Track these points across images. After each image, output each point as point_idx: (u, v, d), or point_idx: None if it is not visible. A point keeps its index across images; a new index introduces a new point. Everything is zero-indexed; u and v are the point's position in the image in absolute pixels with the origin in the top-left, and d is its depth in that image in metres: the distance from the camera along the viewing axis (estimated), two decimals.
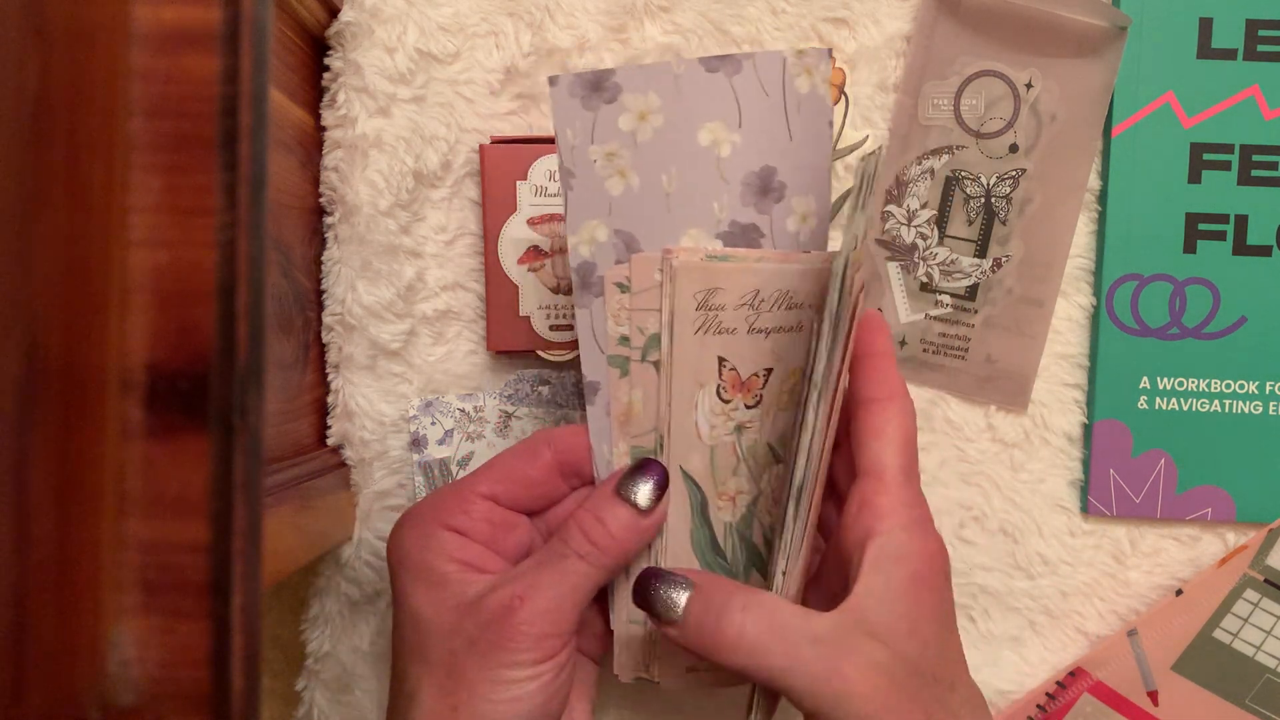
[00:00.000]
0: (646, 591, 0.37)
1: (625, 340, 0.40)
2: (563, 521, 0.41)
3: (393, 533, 0.41)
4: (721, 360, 0.39)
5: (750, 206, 0.39)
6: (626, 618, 0.42)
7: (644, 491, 0.39)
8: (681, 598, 0.36)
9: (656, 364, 0.39)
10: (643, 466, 0.39)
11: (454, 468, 0.49)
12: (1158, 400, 0.50)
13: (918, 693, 0.35)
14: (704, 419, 0.39)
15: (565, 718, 0.41)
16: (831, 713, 0.34)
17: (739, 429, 0.40)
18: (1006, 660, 0.50)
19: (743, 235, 0.39)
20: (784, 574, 0.37)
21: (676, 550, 0.40)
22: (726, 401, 0.39)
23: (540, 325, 0.48)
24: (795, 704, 0.35)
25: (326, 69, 0.47)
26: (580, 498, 0.41)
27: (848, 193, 0.49)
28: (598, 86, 0.38)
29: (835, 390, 0.36)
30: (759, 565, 0.41)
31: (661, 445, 0.40)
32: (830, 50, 0.40)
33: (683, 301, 0.37)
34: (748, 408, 0.40)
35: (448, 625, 0.38)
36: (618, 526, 0.38)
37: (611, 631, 0.42)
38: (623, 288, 0.39)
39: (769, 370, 0.40)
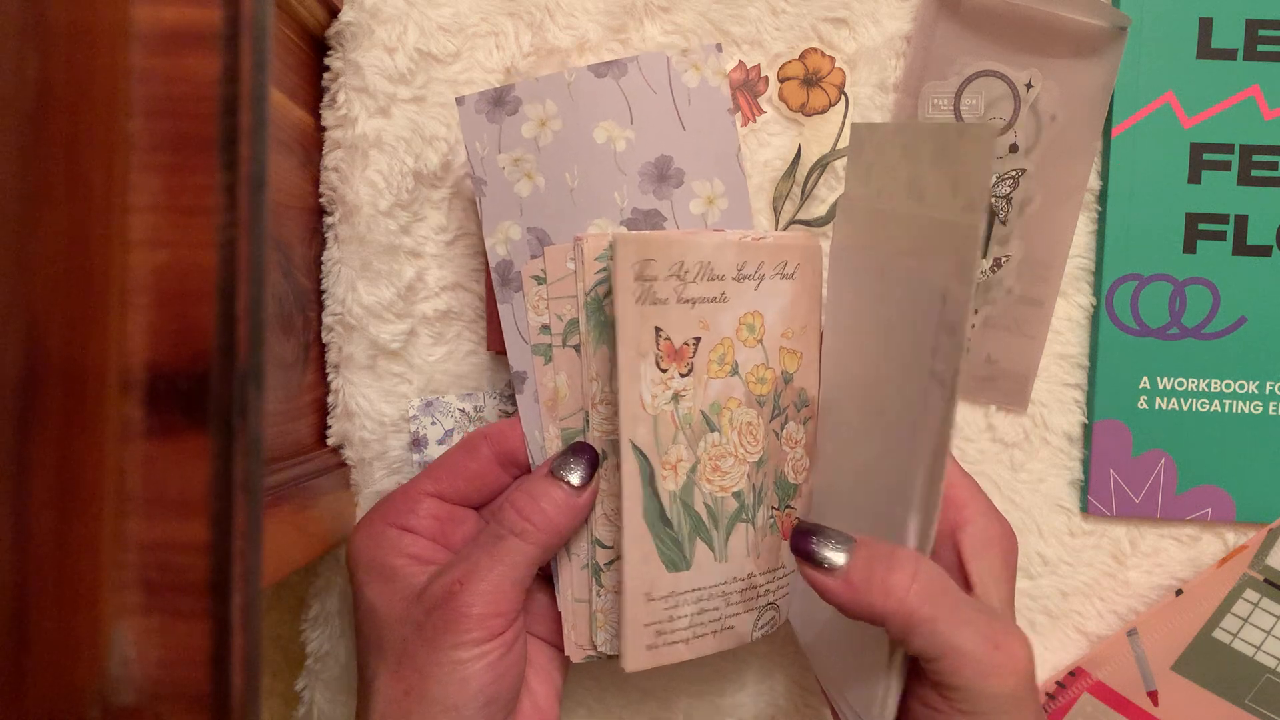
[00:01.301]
0: (808, 546, 0.37)
1: (546, 329, 0.42)
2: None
3: (350, 537, 0.42)
4: (658, 330, 0.40)
5: (649, 194, 0.43)
6: (571, 597, 0.43)
7: (577, 470, 0.41)
8: (843, 552, 0.36)
9: (577, 347, 0.42)
10: (575, 448, 0.41)
11: None
12: (1158, 400, 0.50)
13: (1035, 681, 0.36)
14: (646, 389, 0.40)
15: (527, 700, 0.42)
16: (985, 681, 0.34)
17: (675, 398, 0.41)
18: None
19: (645, 220, 0.42)
20: (928, 540, 0.37)
21: (631, 524, 0.40)
22: (664, 371, 0.40)
23: None
24: (945, 663, 0.35)
25: (326, 69, 0.47)
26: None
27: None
28: (499, 101, 0.42)
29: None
30: (703, 534, 0.41)
31: (588, 423, 0.42)
32: (719, 45, 0.43)
33: (623, 273, 0.39)
34: (681, 376, 0.41)
35: (398, 615, 0.40)
36: (551, 505, 0.40)
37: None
38: (539, 280, 0.42)
39: (698, 339, 0.41)
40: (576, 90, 0.42)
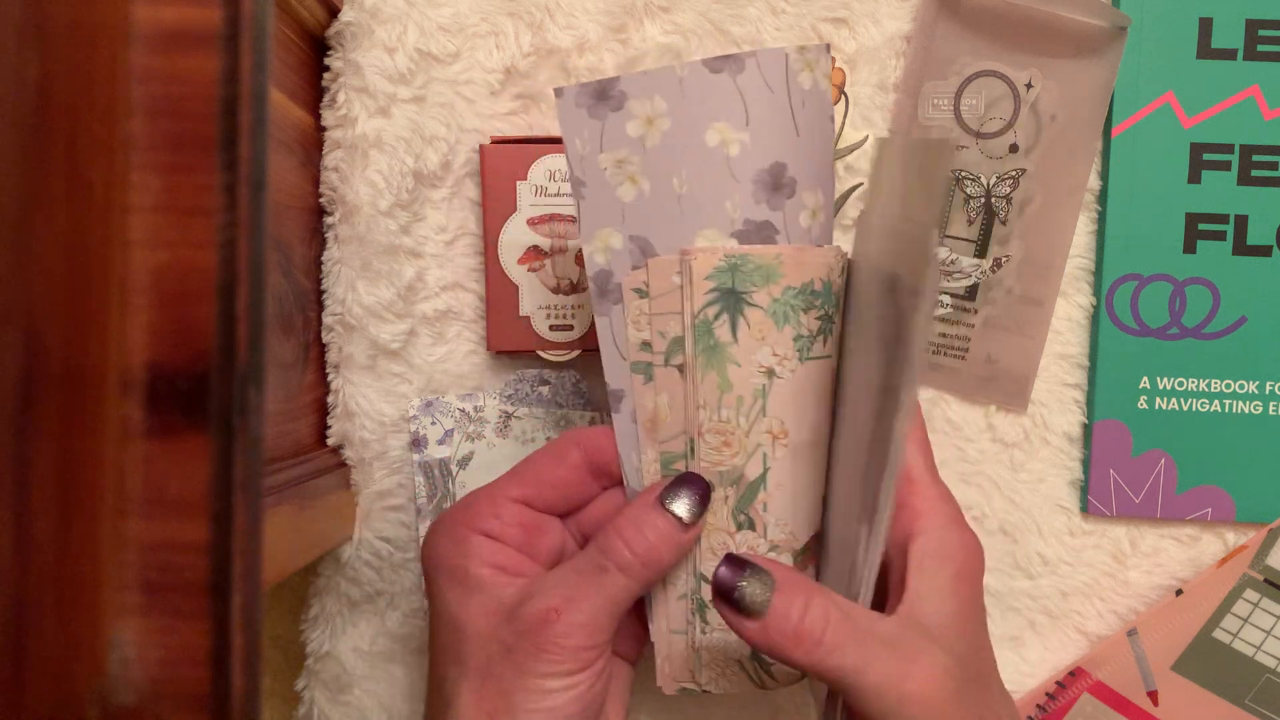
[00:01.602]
0: (729, 584, 0.36)
1: (647, 346, 0.39)
2: (596, 523, 0.41)
3: (426, 538, 0.41)
4: None
5: (763, 204, 0.39)
6: (667, 628, 0.41)
7: (687, 504, 0.38)
8: (765, 593, 0.35)
9: (680, 367, 0.39)
10: (687, 480, 0.39)
11: (454, 468, 0.49)
12: (1158, 400, 0.50)
13: (972, 695, 0.36)
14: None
15: (600, 717, 0.40)
16: (896, 714, 0.34)
17: None
18: (1006, 660, 0.50)
19: (758, 233, 0.39)
20: (864, 581, 0.36)
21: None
22: None
23: (540, 325, 0.48)
24: (859, 703, 0.35)
25: (326, 69, 0.47)
26: (612, 498, 0.41)
27: (848, 192, 0.49)
28: (603, 95, 0.38)
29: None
30: None
31: (693, 449, 0.39)
32: (829, 45, 0.40)
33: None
34: None
35: (484, 631, 0.38)
36: (658, 538, 0.38)
37: (647, 632, 0.42)
38: (641, 293, 0.39)
39: None
40: (688, 87, 0.38)
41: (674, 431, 0.40)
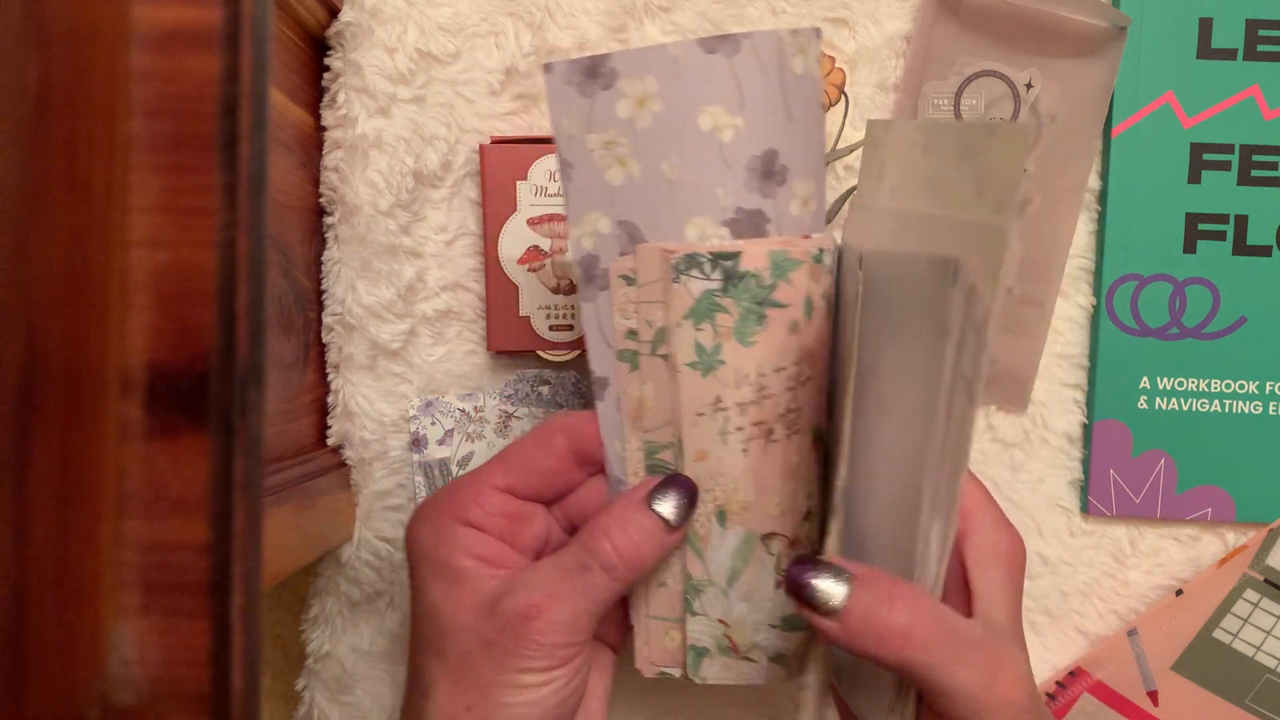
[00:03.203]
0: (803, 583, 0.35)
1: (633, 334, 0.39)
2: (581, 511, 0.40)
3: (409, 526, 0.40)
4: None
5: (755, 192, 0.37)
6: (646, 613, 0.41)
7: (673, 506, 0.38)
8: (841, 590, 0.35)
9: (666, 357, 0.38)
10: (673, 481, 0.39)
11: (454, 468, 0.49)
12: (1158, 400, 0.50)
13: (1037, 699, 0.36)
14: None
15: (580, 707, 0.40)
16: (984, 716, 0.34)
17: None
18: None
19: (749, 221, 0.38)
20: (939, 576, 0.36)
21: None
22: None
23: (540, 325, 0.48)
24: (943, 702, 0.35)
25: (326, 69, 0.47)
26: (598, 485, 0.41)
27: (848, 193, 0.49)
28: (593, 72, 0.37)
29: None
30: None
31: (683, 448, 0.39)
32: (819, 30, 0.39)
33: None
34: None
35: (464, 623, 0.38)
36: (643, 539, 0.38)
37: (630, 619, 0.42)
38: (629, 280, 0.38)
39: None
40: (682, 67, 0.36)
41: (659, 421, 0.39)
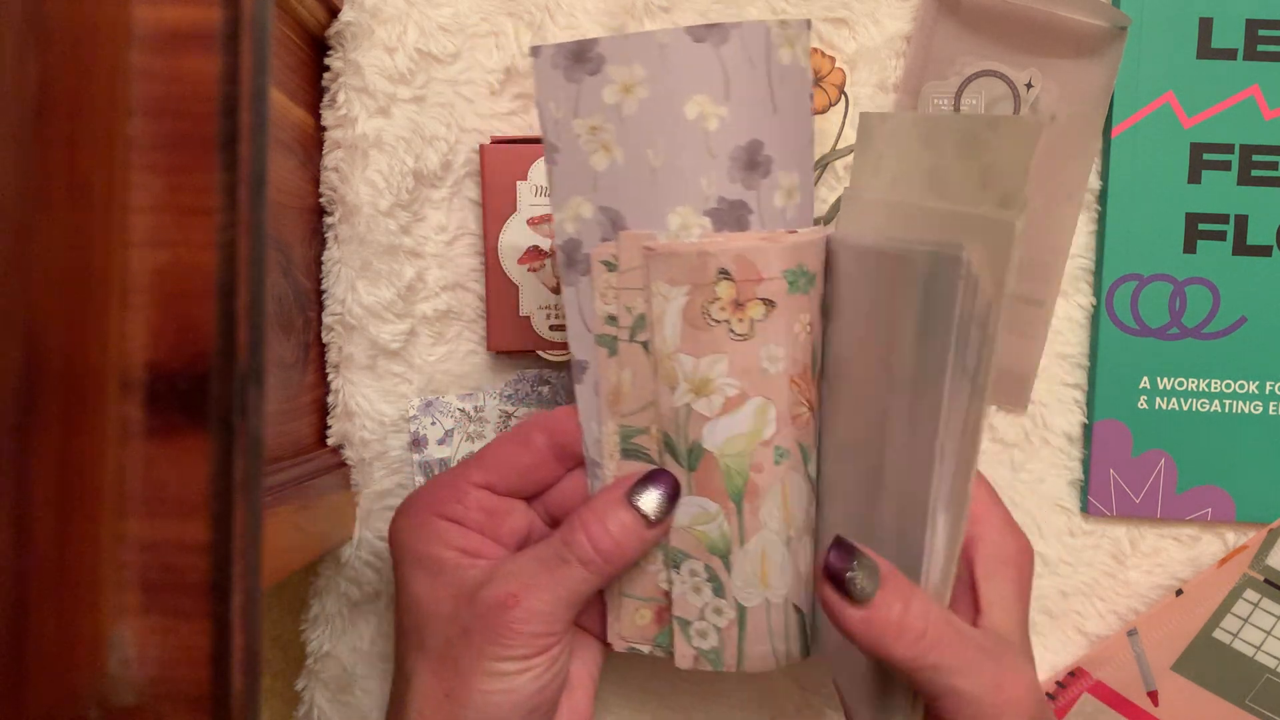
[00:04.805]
0: (841, 570, 0.35)
1: (613, 320, 0.39)
2: (562, 505, 0.41)
3: (392, 522, 0.41)
4: None
5: (738, 182, 0.38)
6: (619, 590, 0.41)
7: (655, 502, 0.38)
8: (873, 584, 0.35)
9: (645, 344, 0.39)
10: (654, 476, 0.39)
11: None
12: (1158, 400, 0.50)
13: (1045, 708, 0.36)
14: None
15: (565, 694, 0.41)
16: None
17: None
18: None
19: (731, 212, 0.38)
20: (947, 579, 0.36)
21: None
22: None
23: (540, 325, 0.48)
24: (949, 706, 0.35)
25: (326, 69, 0.47)
26: (578, 479, 0.41)
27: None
28: (580, 57, 0.37)
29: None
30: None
31: (669, 440, 0.39)
32: (809, 22, 0.39)
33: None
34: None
35: (445, 612, 0.38)
36: (622, 534, 0.38)
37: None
38: (610, 266, 0.38)
39: None
40: (670, 55, 0.36)
41: (634, 406, 0.39)
